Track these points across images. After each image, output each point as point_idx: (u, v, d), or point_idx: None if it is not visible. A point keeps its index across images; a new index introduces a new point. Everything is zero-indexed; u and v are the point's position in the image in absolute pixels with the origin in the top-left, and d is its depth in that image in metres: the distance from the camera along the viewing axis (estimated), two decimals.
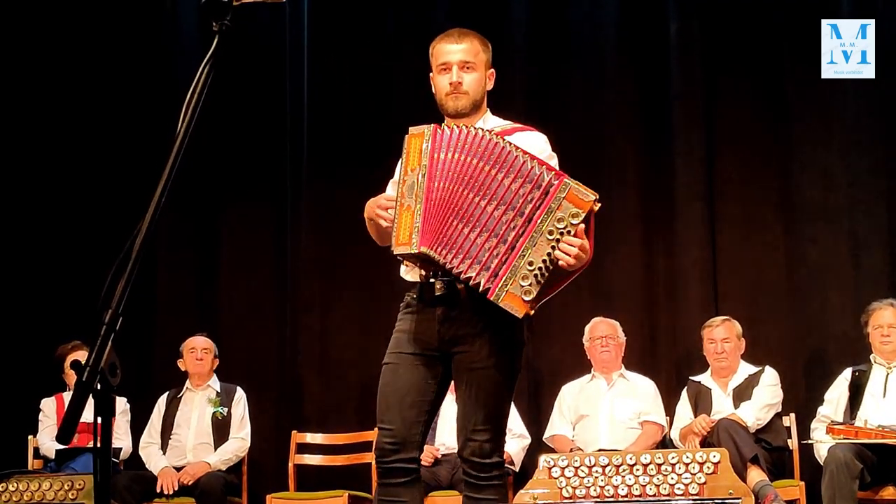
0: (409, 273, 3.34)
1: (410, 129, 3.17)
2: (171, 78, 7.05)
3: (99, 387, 1.90)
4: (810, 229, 6.51)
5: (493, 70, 3.41)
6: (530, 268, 2.95)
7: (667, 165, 6.68)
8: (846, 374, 5.72)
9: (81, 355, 5.71)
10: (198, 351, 6.32)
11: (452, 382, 3.34)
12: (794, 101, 6.59)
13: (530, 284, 2.95)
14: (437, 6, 7.06)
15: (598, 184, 6.35)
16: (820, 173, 6.53)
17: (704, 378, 6.02)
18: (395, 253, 3.12)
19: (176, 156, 2.04)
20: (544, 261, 2.96)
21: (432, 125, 3.17)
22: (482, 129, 3.14)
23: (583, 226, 2.96)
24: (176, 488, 5.89)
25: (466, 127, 3.14)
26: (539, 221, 2.97)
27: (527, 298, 2.95)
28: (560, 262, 2.95)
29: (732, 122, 6.68)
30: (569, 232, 2.95)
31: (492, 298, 2.97)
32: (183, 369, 6.37)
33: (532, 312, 2.99)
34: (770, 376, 5.88)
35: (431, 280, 3.22)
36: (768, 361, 6.01)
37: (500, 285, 2.97)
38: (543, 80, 6.90)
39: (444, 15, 6.92)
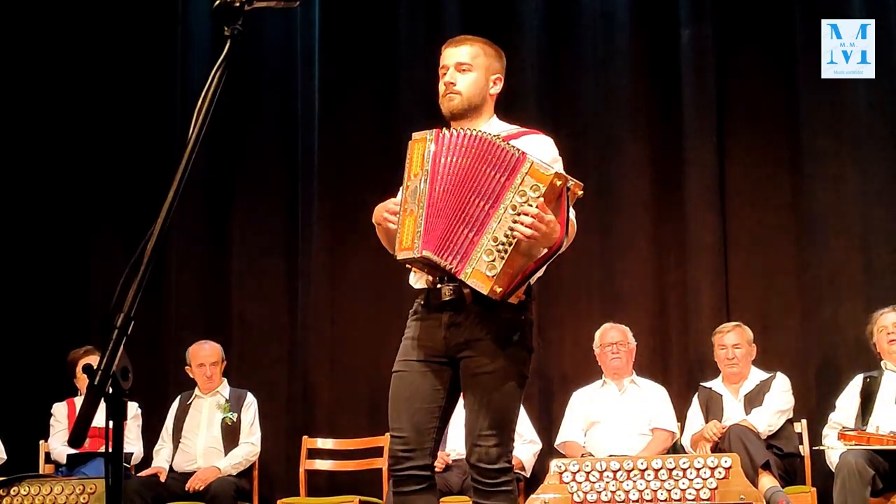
0: (419, 280, 3.34)
1: (413, 134, 3.19)
2: (182, 81, 7.06)
3: (111, 391, 1.90)
4: (822, 235, 6.48)
5: (500, 76, 3.39)
6: (493, 243, 2.99)
7: (678, 170, 6.65)
8: (858, 381, 5.70)
9: (93, 360, 5.72)
10: (206, 367, 6.25)
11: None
12: (804, 106, 6.56)
13: (493, 259, 2.98)
14: (447, 11, 7.05)
15: (609, 188, 6.48)
16: (832, 180, 6.50)
17: (715, 384, 6.00)
18: (398, 258, 3.14)
19: (188, 160, 2.04)
20: (506, 235, 2.98)
21: (434, 130, 3.18)
22: (481, 132, 3.14)
23: (542, 199, 2.96)
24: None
25: (465, 130, 3.14)
26: (504, 198, 3.01)
27: (489, 273, 2.97)
28: (516, 234, 2.97)
29: (744, 127, 6.66)
30: (529, 205, 2.97)
31: (460, 277, 3.00)
32: (192, 376, 6.36)
33: (501, 290, 2.98)
34: (781, 382, 5.87)
35: (439, 286, 3.23)
36: (780, 367, 6.00)
37: (466, 263, 3.00)
38: (555, 85, 6.89)
39: (456, 19, 6.93)
